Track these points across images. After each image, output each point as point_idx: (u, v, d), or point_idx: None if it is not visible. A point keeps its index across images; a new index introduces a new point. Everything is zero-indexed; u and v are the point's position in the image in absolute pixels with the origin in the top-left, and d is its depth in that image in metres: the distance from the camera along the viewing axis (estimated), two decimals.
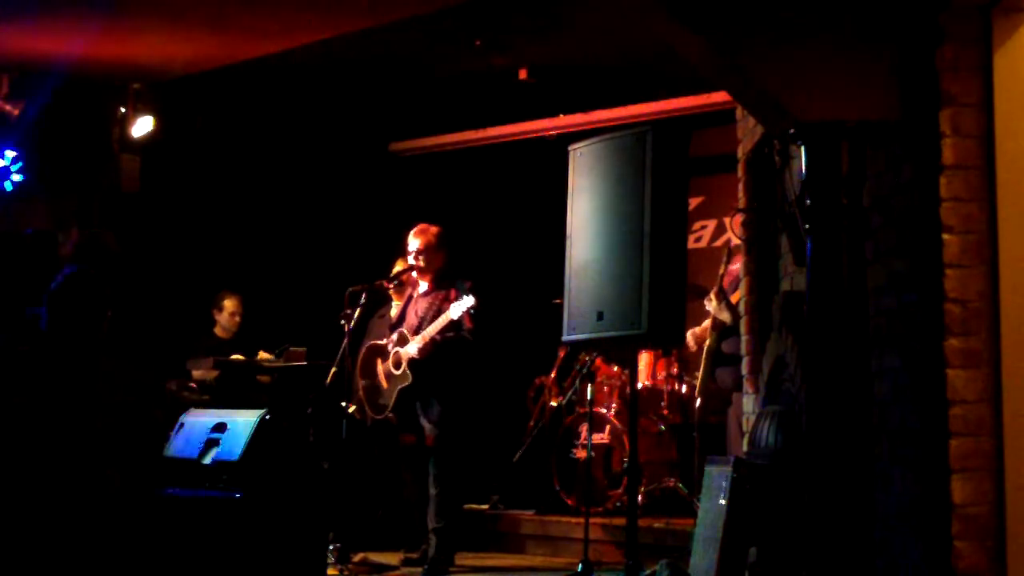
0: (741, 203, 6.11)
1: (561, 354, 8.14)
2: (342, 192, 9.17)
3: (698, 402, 7.22)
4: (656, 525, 6.86)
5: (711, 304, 6.79)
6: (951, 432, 3.63)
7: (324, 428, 6.40)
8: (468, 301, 6.49)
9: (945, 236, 3.67)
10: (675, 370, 7.95)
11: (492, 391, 8.30)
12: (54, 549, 3.80)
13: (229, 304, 7.92)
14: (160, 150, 8.24)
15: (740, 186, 6.14)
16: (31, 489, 3.86)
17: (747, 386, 5.90)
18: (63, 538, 3.82)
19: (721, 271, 6.88)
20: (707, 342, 7.08)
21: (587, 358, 7.25)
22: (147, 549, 4.10)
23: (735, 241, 6.59)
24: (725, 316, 6.80)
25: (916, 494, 3.81)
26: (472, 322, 6.59)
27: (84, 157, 8.19)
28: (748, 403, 5.88)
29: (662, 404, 7.89)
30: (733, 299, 6.76)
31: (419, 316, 6.73)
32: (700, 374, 7.12)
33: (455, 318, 6.52)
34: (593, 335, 5.39)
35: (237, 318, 7.95)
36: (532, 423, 8.15)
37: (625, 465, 7.14)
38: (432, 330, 6.56)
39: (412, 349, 6.61)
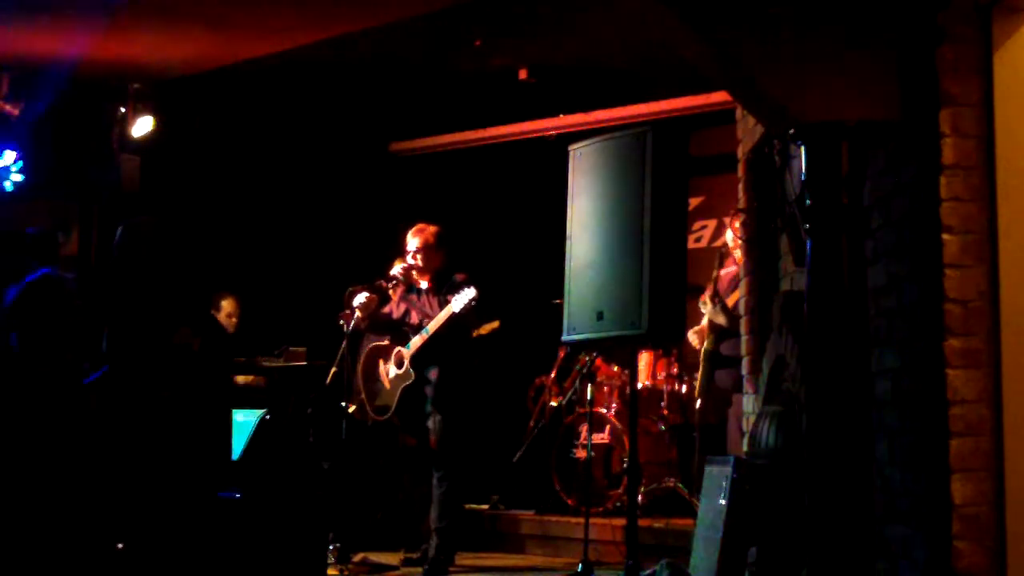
0: (741, 203, 6.11)
1: (561, 354, 8.14)
2: (342, 192, 9.17)
3: (699, 403, 7.22)
4: (656, 525, 6.87)
5: (706, 307, 6.83)
6: (951, 432, 3.63)
7: (324, 428, 6.40)
8: (469, 293, 6.48)
9: (945, 236, 3.67)
10: (675, 370, 7.96)
11: (492, 391, 8.30)
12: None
13: (227, 305, 7.92)
14: (160, 150, 8.24)
15: (740, 186, 6.14)
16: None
17: (747, 386, 5.90)
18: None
19: (714, 275, 6.89)
20: (705, 343, 7.10)
21: (587, 358, 7.25)
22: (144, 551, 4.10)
23: (732, 244, 6.60)
24: (721, 319, 6.84)
25: (916, 494, 3.81)
26: (470, 315, 6.58)
27: (84, 157, 8.19)
28: (748, 403, 5.88)
29: (662, 404, 7.89)
30: (729, 301, 6.77)
31: (420, 315, 6.74)
32: (699, 375, 7.13)
33: (457, 311, 6.51)
34: (593, 335, 5.39)
35: (234, 319, 7.94)
36: (532, 423, 8.15)
37: (625, 465, 7.14)
38: (434, 326, 6.57)
39: (412, 347, 6.64)
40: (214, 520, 4.80)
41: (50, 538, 3.80)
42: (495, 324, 7.89)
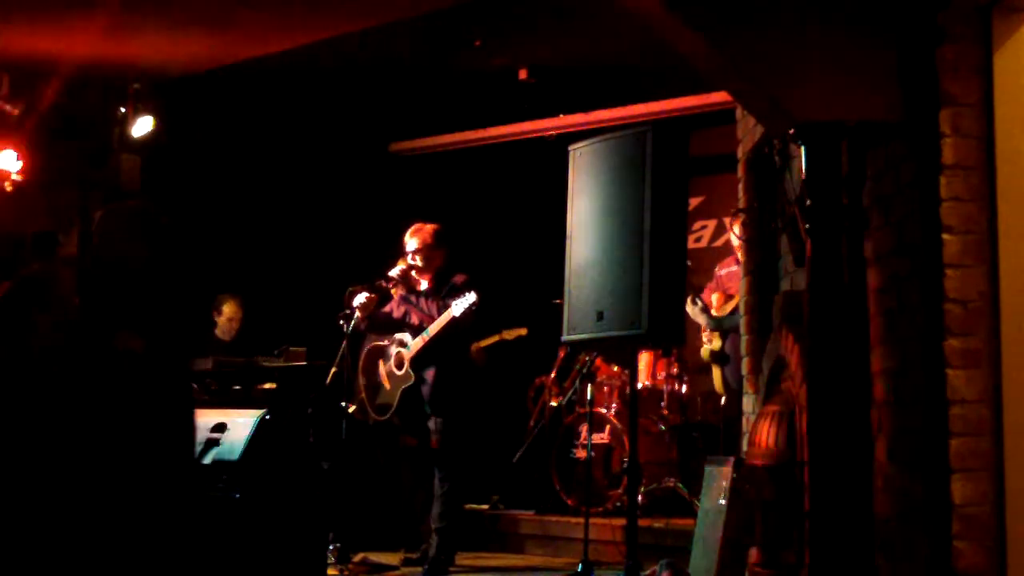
0: (741, 203, 6.10)
1: (561, 354, 8.14)
2: (342, 192, 9.17)
3: (723, 400, 7.23)
4: (656, 525, 6.87)
5: (689, 308, 6.84)
6: (951, 432, 3.63)
7: (324, 428, 6.39)
8: (470, 298, 6.47)
9: (945, 236, 3.67)
10: (675, 370, 7.96)
11: (492, 391, 8.30)
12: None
13: (228, 310, 7.91)
14: (160, 150, 8.23)
15: (740, 186, 6.14)
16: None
17: (747, 386, 5.90)
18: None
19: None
20: (713, 344, 7.10)
21: (587, 358, 7.24)
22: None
23: (735, 244, 6.60)
24: (701, 320, 6.86)
25: (916, 494, 3.81)
26: (469, 320, 6.57)
27: (84, 157, 8.18)
28: (748, 403, 5.88)
29: (662, 404, 7.89)
30: (728, 305, 6.79)
31: (420, 316, 6.73)
32: (714, 374, 7.13)
33: (457, 315, 6.50)
34: (593, 335, 5.39)
35: (236, 324, 7.93)
36: (532, 423, 8.15)
37: (625, 465, 7.14)
38: (434, 329, 6.56)
39: (412, 349, 6.63)
40: (214, 520, 4.80)
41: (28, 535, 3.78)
42: (522, 331, 7.91)
